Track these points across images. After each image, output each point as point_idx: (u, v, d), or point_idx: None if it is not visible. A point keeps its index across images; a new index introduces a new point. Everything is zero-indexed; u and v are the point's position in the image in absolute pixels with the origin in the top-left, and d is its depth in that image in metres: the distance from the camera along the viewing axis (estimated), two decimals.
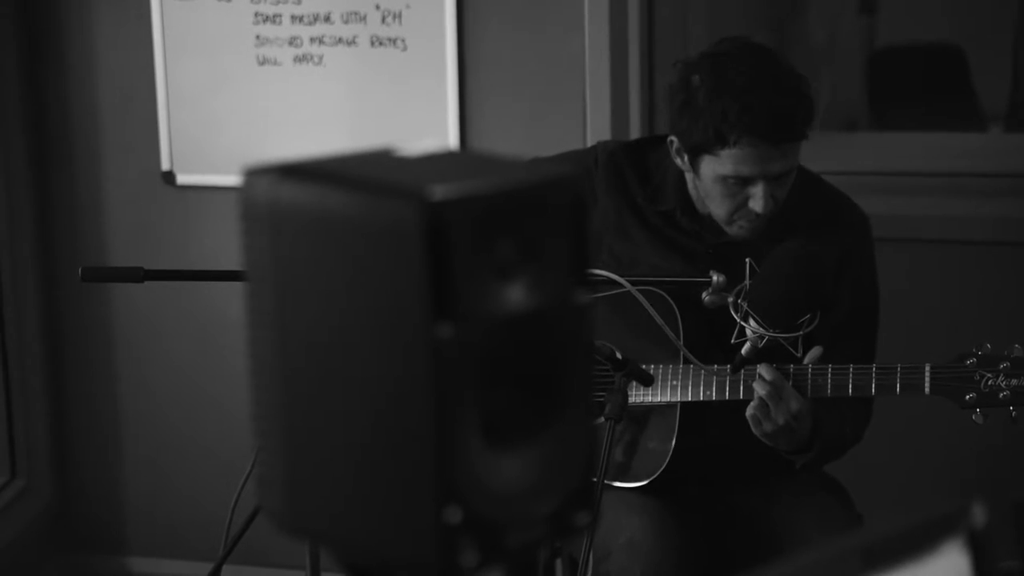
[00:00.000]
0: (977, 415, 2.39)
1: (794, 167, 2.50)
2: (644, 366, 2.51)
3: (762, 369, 2.41)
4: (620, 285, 2.35)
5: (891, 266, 2.79)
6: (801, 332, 2.36)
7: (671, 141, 2.55)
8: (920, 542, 1.08)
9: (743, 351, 2.38)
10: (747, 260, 2.42)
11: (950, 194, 3.48)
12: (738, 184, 2.47)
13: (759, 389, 2.41)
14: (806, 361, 2.43)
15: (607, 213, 2.64)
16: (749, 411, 2.43)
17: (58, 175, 3.65)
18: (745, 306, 2.38)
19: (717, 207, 2.51)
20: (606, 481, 2.53)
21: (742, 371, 2.44)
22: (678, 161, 2.55)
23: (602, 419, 2.25)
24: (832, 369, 2.44)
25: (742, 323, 2.39)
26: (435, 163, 1.08)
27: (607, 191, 2.64)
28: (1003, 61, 4.50)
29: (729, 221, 2.52)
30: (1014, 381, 2.37)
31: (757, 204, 2.47)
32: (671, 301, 2.50)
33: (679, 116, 2.50)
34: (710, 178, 2.48)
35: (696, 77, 2.47)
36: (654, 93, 3.42)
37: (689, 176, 2.57)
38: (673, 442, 2.52)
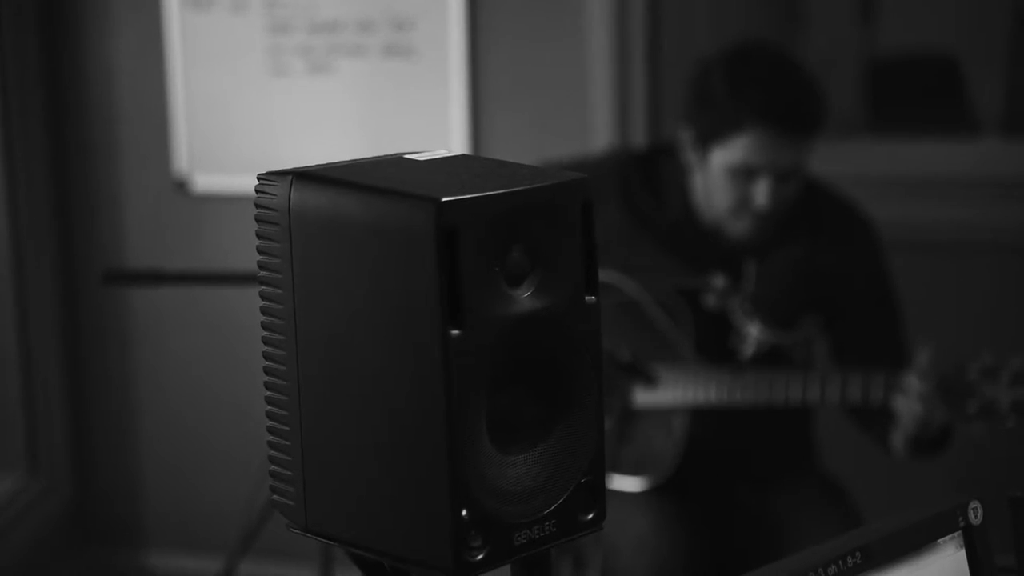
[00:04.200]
0: (977, 425, 2.41)
1: (801, 167, 2.53)
2: (654, 367, 2.53)
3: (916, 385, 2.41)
4: (630, 289, 2.37)
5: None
6: (803, 336, 2.38)
7: (683, 133, 2.58)
8: (918, 540, 1.10)
9: (746, 354, 2.40)
10: (750, 264, 2.45)
11: (944, 200, 3.49)
12: (745, 177, 2.49)
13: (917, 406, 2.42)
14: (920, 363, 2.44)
15: (614, 220, 2.66)
16: (905, 437, 2.45)
17: (76, 181, 3.70)
18: (748, 310, 2.40)
19: (721, 201, 2.54)
20: (618, 473, 2.56)
21: (748, 373, 2.47)
22: (687, 155, 2.58)
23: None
24: (841, 375, 2.45)
25: (745, 327, 2.41)
26: (447, 168, 1.09)
27: (615, 200, 2.67)
28: (999, 68, 4.52)
29: (731, 218, 2.54)
30: (1013, 392, 2.39)
31: (761, 199, 2.49)
32: (687, 306, 2.52)
33: (696, 106, 2.53)
34: (718, 169, 2.51)
35: (714, 71, 2.51)
36: (659, 101, 3.44)
37: (696, 178, 2.60)
38: (684, 443, 2.55)
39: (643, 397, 2.53)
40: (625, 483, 2.59)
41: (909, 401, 2.37)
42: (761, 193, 2.49)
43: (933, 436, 2.48)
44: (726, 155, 2.48)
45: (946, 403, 2.41)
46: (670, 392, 2.53)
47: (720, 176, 2.51)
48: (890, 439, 2.51)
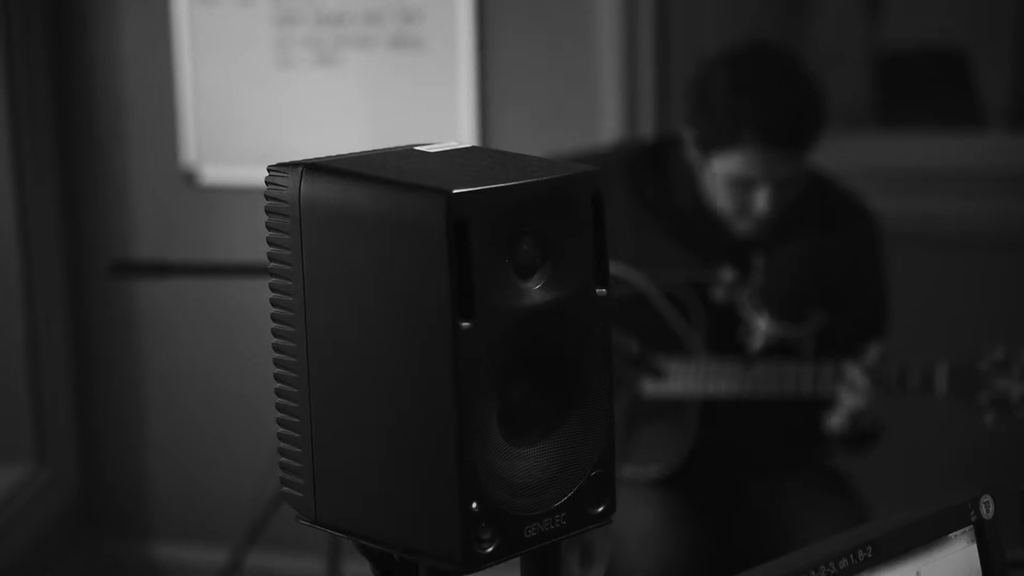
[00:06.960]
0: (990, 417, 2.41)
1: (802, 172, 2.52)
2: (662, 361, 2.53)
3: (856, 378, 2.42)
4: (638, 281, 2.37)
5: (893, 264, 2.81)
6: (810, 329, 2.39)
7: (686, 133, 2.58)
8: (929, 534, 1.10)
9: (754, 348, 2.40)
10: (758, 258, 2.45)
11: (951, 193, 3.49)
12: (745, 185, 2.49)
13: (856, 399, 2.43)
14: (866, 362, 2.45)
15: (623, 213, 2.66)
16: (842, 422, 2.46)
17: (84, 173, 3.71)
18: (757, 303, 2.40)
19: (724, 204, 2.54)
20: (627, 464, 2.56)
21: (757, 365, 2.47)
22: (691, 153, 2.58)
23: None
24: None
25: (753, 320, 2.41)
26: (458, 160, 1.09)
27: (623, 191, 2.67)
28: (1006, 62, 4.52)
29: (734, 219, 2.55)
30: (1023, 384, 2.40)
31: (761, 205, 2.50)
32: (696, 299, 2.53)
33: (695, 112, 2.53)
34: (719, 176, 2.51)
35: (715, 75, 2.50)
36: (667, 93, 3.44)
37: (701, 171, 2.60)
38: (693, 436, 2.55)
39: (652, 389, 2.53)
40: (633, 475, 2.59)
41: (853, 394, 2.40)
42: (761, 200, 2.49)
43: (863, 430, 2.53)
44: (725, 165, 2.49)
45: (958, 395, 2.42)
46: (680, 384, 2.54)
47: (721, 182, 2.51)
48: (825, 424, 2.54)
